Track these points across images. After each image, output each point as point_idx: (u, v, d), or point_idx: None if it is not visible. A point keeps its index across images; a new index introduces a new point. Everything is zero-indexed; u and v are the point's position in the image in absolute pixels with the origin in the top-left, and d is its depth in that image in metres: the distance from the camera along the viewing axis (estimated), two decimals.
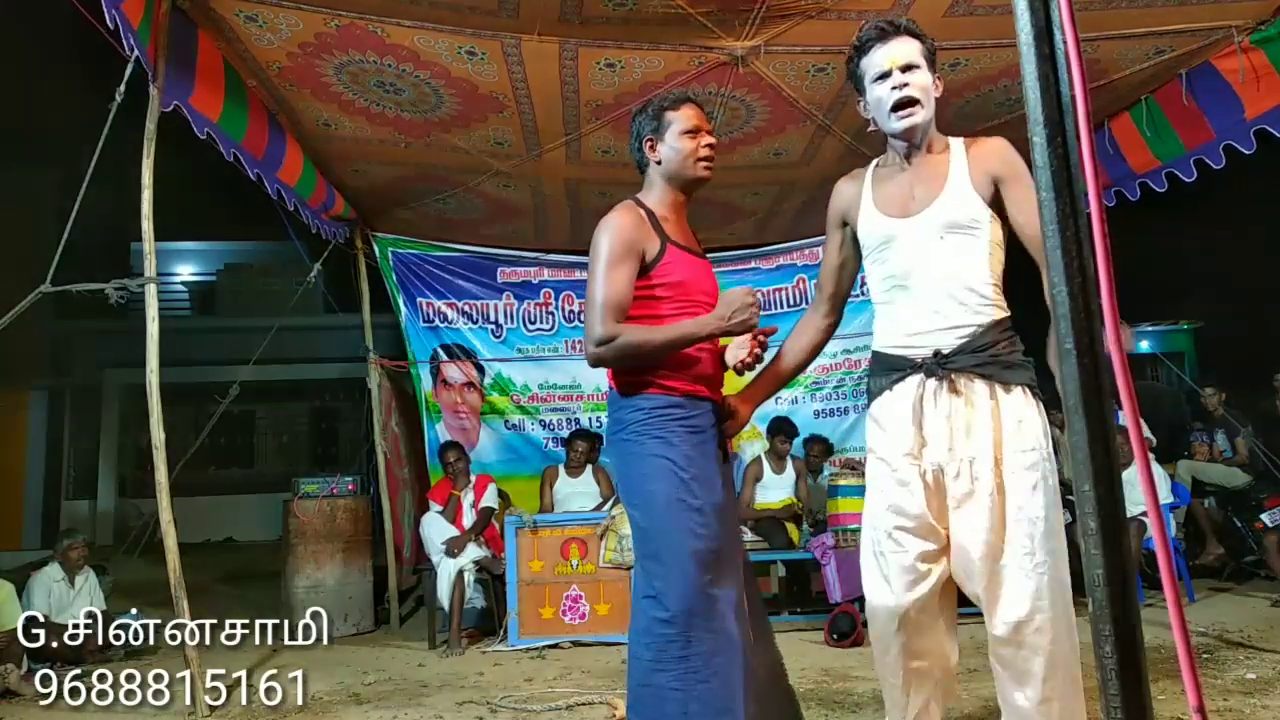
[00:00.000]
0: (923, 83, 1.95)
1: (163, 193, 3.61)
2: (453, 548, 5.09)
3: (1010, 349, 1.91)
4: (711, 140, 2.20)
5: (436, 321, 6.55)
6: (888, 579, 1.93)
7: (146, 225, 3.61)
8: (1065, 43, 0.85)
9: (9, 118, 10.47)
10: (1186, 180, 4.57)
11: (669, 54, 3.88)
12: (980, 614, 1.92)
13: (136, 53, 3.31)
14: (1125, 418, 0.86)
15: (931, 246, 1.91)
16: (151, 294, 3.65)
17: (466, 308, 6.60)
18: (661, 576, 1.96)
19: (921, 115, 1.94)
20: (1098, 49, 3.94)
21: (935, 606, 1.93)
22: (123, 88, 3.51)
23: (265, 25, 3.65)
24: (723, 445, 2.15)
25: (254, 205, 4.80)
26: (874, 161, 2.13)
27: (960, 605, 2.01)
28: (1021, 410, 1.87)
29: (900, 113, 1.94)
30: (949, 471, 1.87)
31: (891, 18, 2.07)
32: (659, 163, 2.20)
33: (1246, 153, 4.11)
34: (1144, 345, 9.68)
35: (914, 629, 1.92)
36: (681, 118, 2.18)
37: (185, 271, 15.71)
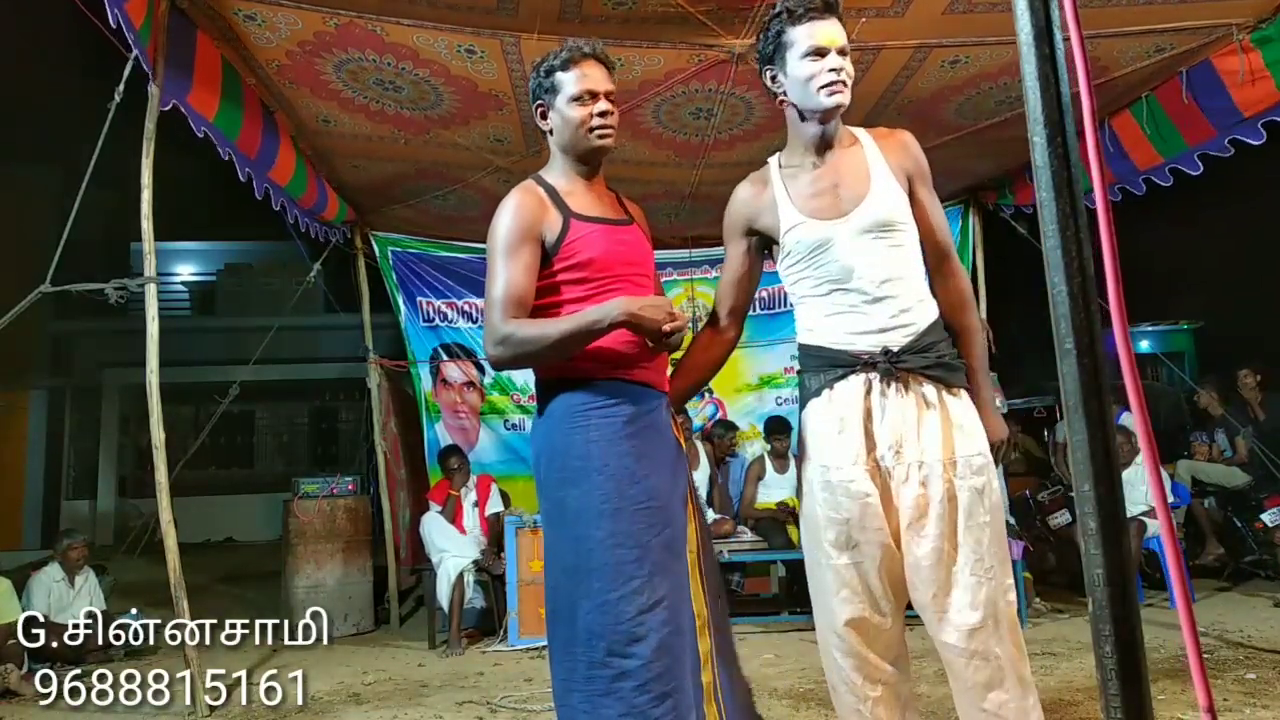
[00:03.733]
0: (851, 71, 1.87)
1: (163, 193, 3.61)
2: (488, 559, 5.16)
3: (949, 349, 1.88)
4: (606, 106, 1.91)
5: (436, 321, 6.55)
6: (848, 592, 1.83)
7: (146, 225, 3.62)
8: (1069, 41, 0.85)
9: (9, 117, 10.47)
10: (1192, 174, 4.50)
11: (668, 52, 3.89)
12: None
13: (136, 52, 3.31)
14: (1133, 418, 0.85)
15: (868, 246, 1.85)
16: (151, 294, 3.65)
17: (466, 307, 6.60)
18: (565, 591, 1.81)
19: (847, 98, 1.86)
20: (1097, 46, 3.94)
21: (897, 615, 1.86)
22: (122, 87, 3.51)
23: (264, 24, 3.65)
24: (667, 432, 1.92)
25: (254, 205, 4.79)
26: (773, 161, 2.00)
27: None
28: (966, 413, 1.84)
29: (831, 87, 1.83)
30: (896, 475, 1.80)
31: None
32: (551, 132, 1.97)
33: (1256, 144, 4.05)
34: (1144, 345, 9.68)
35: (881, 644, 1.84)
36: (571, 80, 1.91)
37: (185, 271, 15.71)
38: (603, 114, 1.91)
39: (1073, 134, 0.86)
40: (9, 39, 8.97)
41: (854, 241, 1.85)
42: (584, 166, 1.98)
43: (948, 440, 1.80)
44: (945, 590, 1.76)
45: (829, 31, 1.84)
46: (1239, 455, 6.12)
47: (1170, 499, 5.63)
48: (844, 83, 1.84)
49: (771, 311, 6.46)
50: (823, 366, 1.89)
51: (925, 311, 1.88)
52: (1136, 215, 5.20)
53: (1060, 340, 0.85)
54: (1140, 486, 5.06)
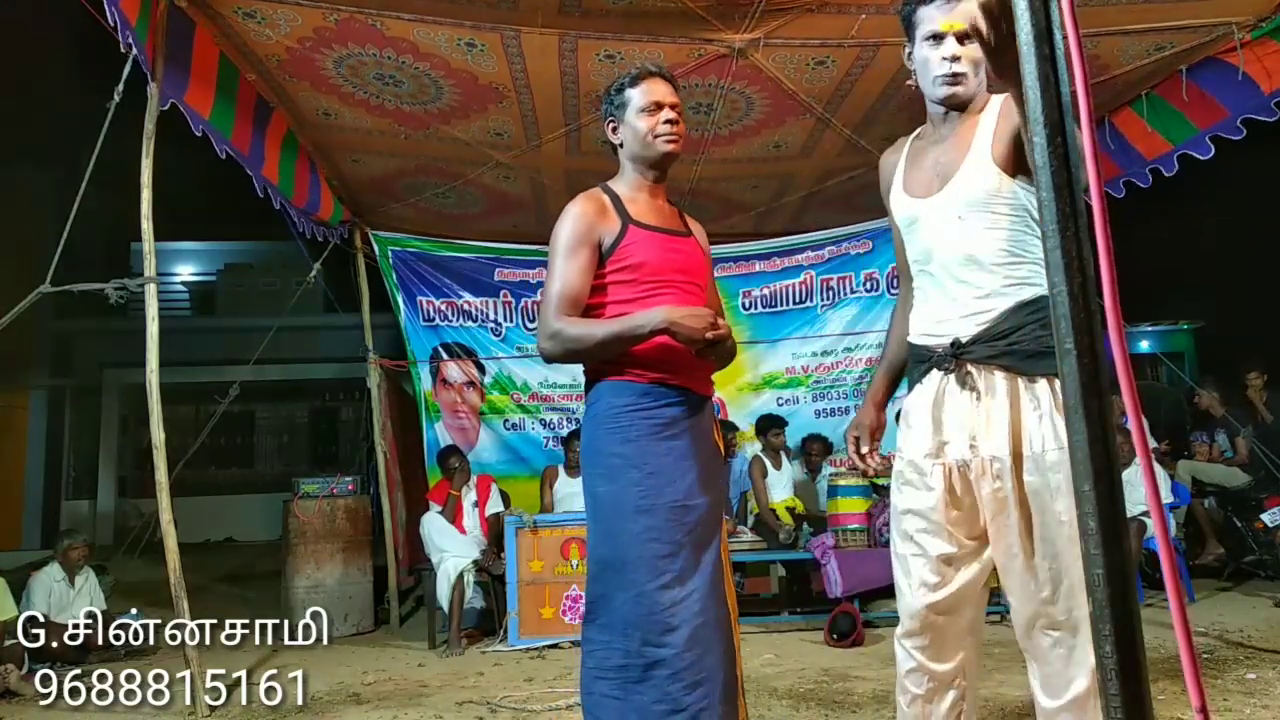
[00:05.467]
0: (975, 55, 1.76)
1: (163, 193, 3.61)
2: (489, 559, 5.16)
3: (1037, 332, 1.72)
4: (671, 115, 2.05)
5: (436, 320, 6.54)
6: (910, 583, 1.83)
7: (146, 225, 3.61)
8: (1066, 40, 0.85)
9: (9, 117, 10.46)
10: (1201, 159, 4.38)
11: (668, 46, 3.89)
12: (997, 611, 1.81)
13: (135, 51, 3.31)
14: (1130, 422, 0.85)
15: (950, 227, 1.77)
16: (151, 294, 3.65)
17: (466, 306, 6.59)
18: (602, 583, 1.91)
19: (965, 89, 1.79)
20: (1097, 45, 3.94)
21: (961, 611, 1.81)
22: (121, 86, 3.51)
23: (264, 21, 3.65)
24: (707, 436, 2.03)
25: (254, 205, 4.79)
26: (915, 132, 1.96)
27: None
28: (1043, 404, 1.71)
29: (945, 78, 1.78)
30: (975, 470, 1.74)
31: None
32: (621, 145, 2.12)
33: (1269, 120, 3.97)
34: (1144, 345, 9.69)
35: (936, 634, 1.81)
36: (639, 94, 2.07)
37: (185, 271, 15.71)
38: (669, 122, 2.05)
39: (1073, 134, 0.86)
40: (9, 40, 8.97)
41: (936, 221, 1.80)
42: (652, 173, 2.11)
43: (1017, 435, 1.72)
44: (1022, 585, 1.72)
45: (953, 14, 1.75)
46: (1239, 455, 6.12)
47: (1171, 499, 5.62)
48: (961, 73, 1.76)
49: (774, 310, 6.44)
50: (914, 362, 1.88)
51: (1011, 296, 1.74)
52: (1138, 215, 5.20)
53: (1060, 340, 0.85)
54: (1140, 486, 5.06)
